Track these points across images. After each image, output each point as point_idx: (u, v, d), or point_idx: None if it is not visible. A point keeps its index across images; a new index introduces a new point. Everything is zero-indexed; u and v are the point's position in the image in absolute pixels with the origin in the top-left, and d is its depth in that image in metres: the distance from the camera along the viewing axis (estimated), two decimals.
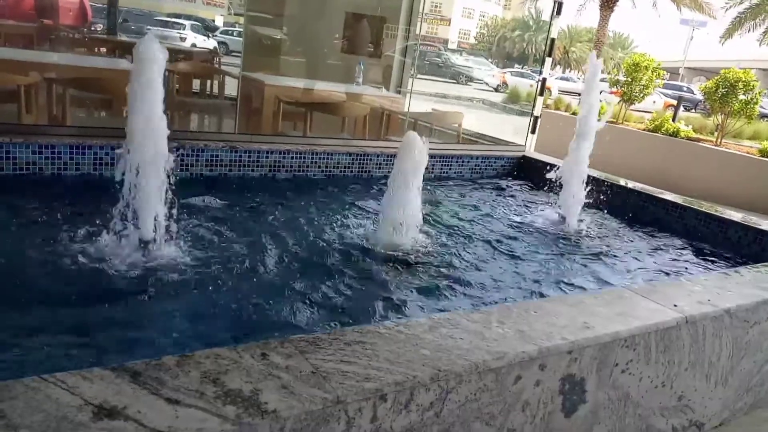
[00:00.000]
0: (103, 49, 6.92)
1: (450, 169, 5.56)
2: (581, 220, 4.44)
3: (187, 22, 7.94)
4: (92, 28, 6.59)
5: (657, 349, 2.23)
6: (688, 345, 2.35)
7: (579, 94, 4.77)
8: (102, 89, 5.18)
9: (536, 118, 6.41)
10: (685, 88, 29.06)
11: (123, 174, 2.73)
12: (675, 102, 13.87)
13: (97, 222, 2.90)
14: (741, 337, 2.58)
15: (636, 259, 3.86)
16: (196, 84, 6.94)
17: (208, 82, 7.03)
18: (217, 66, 7.49)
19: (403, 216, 3.43)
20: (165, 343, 2.16)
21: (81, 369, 1.38)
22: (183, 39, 7.84)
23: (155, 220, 2.83)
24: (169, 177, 2.80)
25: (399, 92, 7.62)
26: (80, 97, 5.13)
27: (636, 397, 2.25)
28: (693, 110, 23.38)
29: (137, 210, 2.78)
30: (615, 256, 3.86)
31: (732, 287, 2.70)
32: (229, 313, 2.44)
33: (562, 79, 30.67)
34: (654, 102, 19.65)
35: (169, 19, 7.52)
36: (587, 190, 4.44)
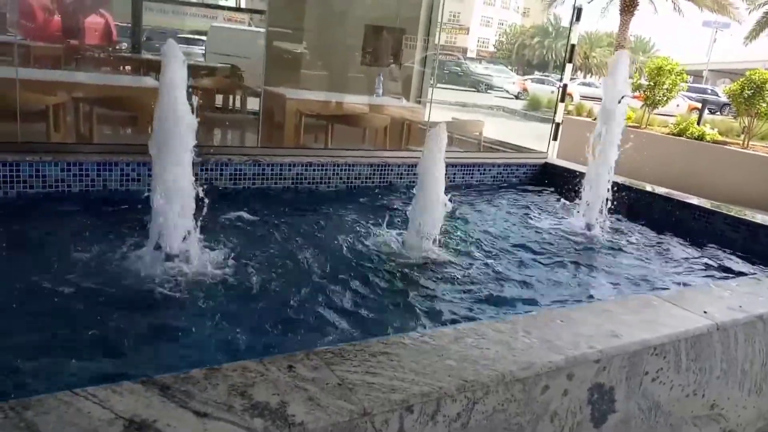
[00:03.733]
0: (128, 68, 7.06)
1: (472, 177, 5.55)
2: (606, 227, 4.40)
3: None
4: (117, 48, 6.73)
5: (687, 357, 2.19)
6: (719, 352, 2.30)
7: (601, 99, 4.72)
8: (127, 107, 5.28)
9: (558, 124, 6.37)
10: (709, 91, 28.62)
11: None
12: (699, 105, 13.69)
13: (126, 236, 2.95)
14: None
15: (662, 264, 3.80)
16: (218, 99, 7.05)
17: (230, 97, 7.13)
18: (238, 81, 7.59)
19: (429, 222, 3.43)
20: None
21: (111, 383, 1.40)
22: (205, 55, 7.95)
23: (185, 233, 2.87)
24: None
25: (419, 102, 7.63)
26: (106, 115, 5.23)
27: (667, 406, 2.21)
28: (718, 113, 23.00)
29: (164, 223, 2.82)
30: (640, 262, 3.81)
31: (763, 292, 2.65)
32: (268, 319, 2.48)
33: (583, 84, 30.43)
34: (678, 105, 19.38)
35: (191, 36, 7.64)
36: (612, 196, 4.40)
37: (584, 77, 40.95)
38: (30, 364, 1.98)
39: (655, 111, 10.84)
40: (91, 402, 1.32)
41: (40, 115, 4.60)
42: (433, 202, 3.41)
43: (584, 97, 21.77)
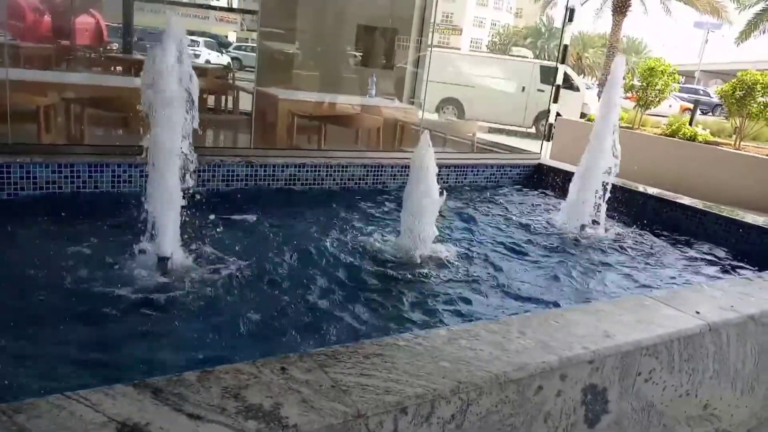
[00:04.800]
0: (119, 68, 7.03)
1: (465, 178, 5.55)
2: (597, 228, 4.41)
3: (200, 39, 8.04)
4: (108, 48, 6.70)
5: (680, 357, 2.19)
6: (711, 353, 2.31)
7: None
8: (118, 108, 5.25)
9: (551, 125, 6.39)
10: (701, 92, 28.76)
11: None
12: (691, 105, 13.76)
13: (117, 238, 2.94)
14: (766, 343, 2.53)
15: (654, 265, 3.82)
16: (210, 100, 7.02)
17: (223, 98, 7.11)
18: (231, 81, 7.57)
19: (421, 224, 3.43)
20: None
21: (104, 386, 1.39)
22: (197, 56, 7.94)
23: (176, 233, 2.86)
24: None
25: (412, 103, 7.64)
26: (97, 115, 5.21)
27: (660, 406, 2.22)
28: (710, 114, 23.12)
29: (156, 223, 2.81)
30: (632, 263, 3.82)
31: (755, 293, 2.66)
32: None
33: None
34: (670, 106, 19.44)
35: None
36: (604, 196, 4.41)
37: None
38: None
39: (648, 112, 10.88)
40: (84, 405, 1.31)
41: (31, 116, 4.58)
42: (425, 206, 3.42)
43: None
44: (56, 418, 1.26)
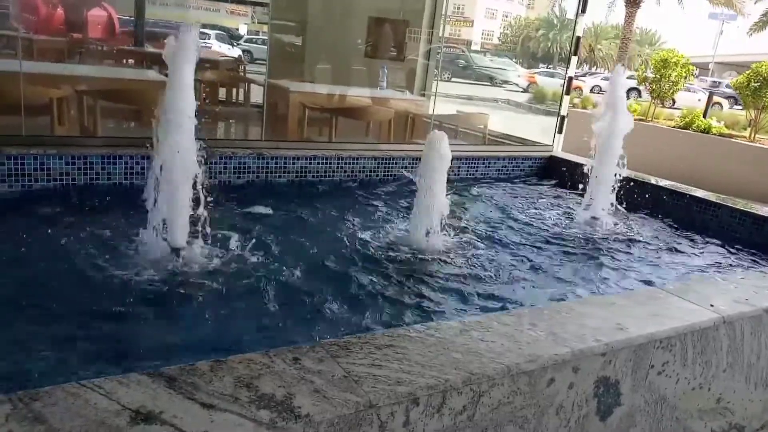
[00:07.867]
0: (131, 61, 7.05)
1: (476, 171, 5.53)
2: (611, 220, 4.38)
3: (211, 32, 8.04)
4: (120, 41, 6.72)
5: (694, 351, 2.18)
6: (725, 346, 2.30)
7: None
8: (131, 100, 5.28)
9: (563, 117, 6.34)
10: (724, 84, 28.33)
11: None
12: (722, 99, 13.60)
13: (130, 230, 2.96)
14: None
15: (668, 258, 3.79)
16: (222, 93, 7.04)
17: (234, 91, 7.12)
18: (242, 74, 7.58)
19: (434, 216, 3.43)
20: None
21: (118, 375, 1.40)
22: (208, 48, 7.95)
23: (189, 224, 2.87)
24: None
25: (423, 95, 7.60)
26: (110, 108, 5.23)
27: (673, 399, 2.21)
28: (734, 106, 22.85)
29: (167, 214, 2.82)
30: (645, 255, 3.79)
31: None
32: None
33: (605, 79, 30.16)
34: (699, 100, 19.09)
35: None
36: (617, 189, 4.38)
37: (590, 69, 40.69)
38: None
39: (675, 105, 10.78)
40: (98, 393, 1.32)
41: (45, 108, 4.60)
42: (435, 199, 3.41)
43: (605, 92, 21.58)
44: (71, 406, 1.27)
